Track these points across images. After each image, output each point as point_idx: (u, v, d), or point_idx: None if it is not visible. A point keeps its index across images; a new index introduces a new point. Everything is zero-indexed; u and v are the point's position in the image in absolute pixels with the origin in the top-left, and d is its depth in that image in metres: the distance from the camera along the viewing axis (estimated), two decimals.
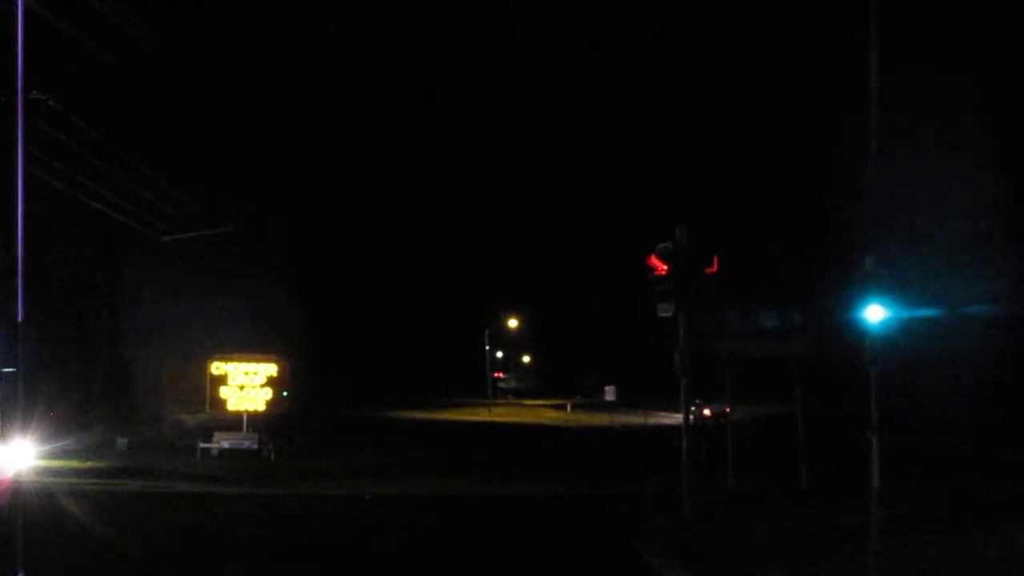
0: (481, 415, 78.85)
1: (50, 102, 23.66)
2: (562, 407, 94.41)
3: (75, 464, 30.02)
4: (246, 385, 34.76)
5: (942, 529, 17.35)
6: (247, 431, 34.32)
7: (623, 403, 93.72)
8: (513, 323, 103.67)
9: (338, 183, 74.12)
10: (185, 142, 40.38)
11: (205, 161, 40.43)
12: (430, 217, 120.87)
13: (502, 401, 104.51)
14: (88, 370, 44.93)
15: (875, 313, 21.29)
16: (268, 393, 34.83)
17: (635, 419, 71.69)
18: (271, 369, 35.09)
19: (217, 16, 43.30)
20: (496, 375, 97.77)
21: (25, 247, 11.41)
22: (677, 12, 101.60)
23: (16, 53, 11.59)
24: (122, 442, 35.82)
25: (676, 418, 21.32)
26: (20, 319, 11.41)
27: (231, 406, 34.70)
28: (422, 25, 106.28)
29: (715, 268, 18.73)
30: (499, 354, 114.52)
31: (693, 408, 76.02)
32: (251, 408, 34.63)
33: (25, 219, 11.43)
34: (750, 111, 79.77)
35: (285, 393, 35.35)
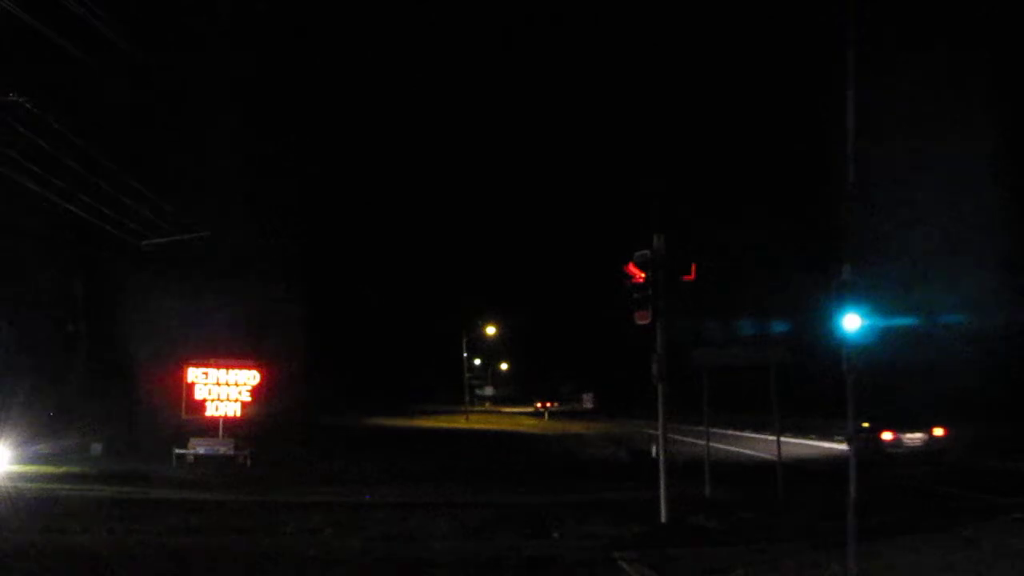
0: (459, 422, 78.73)
1: (27, 105, 23.57)
2: (540, 414, 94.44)
3: (49, 469, 29.84)
4: (222, 390, 34.62)
5: (911, 536, 17.43)
6: (223, 437, 34.20)
7: (601, 410, 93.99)
8: (491, 330, 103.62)
9: (317, 191, 74.05)
10: (166, 146, 40.27)
11: (186, 165, 40.35)
12: (409, 225, 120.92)
13: (479, 408, 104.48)
14: (65, 375, 44.70)
15: (852, 322, 21.43)
16: (245, 399, 34.71)
17: (613, 427, 71.72)
18: (247, 375, 34.97)
19: (203, 14, 43.20)
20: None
21: (2, 251, 11.37)
22: (657, 19, 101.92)
23: None
24: (97, 447, 35.65)
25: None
26: None
27: (207, 412, 34.56)
28: (384, 40, 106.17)
29: (693, 276, 18.80)
30: (477, 361, 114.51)
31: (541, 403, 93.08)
32: (227, 414, 34.50)
33: (1, 223, 11.39)
34: (732, 120, 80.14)
35: (261, 399, 35.24)
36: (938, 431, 33.76)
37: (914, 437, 33.49)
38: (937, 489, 25.55)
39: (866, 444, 31.49)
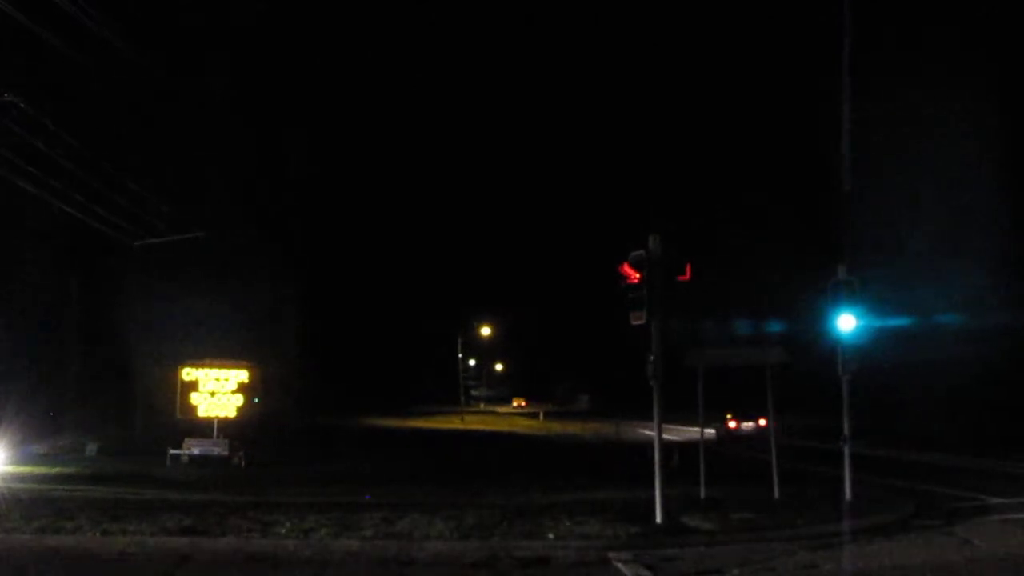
0: (454, 423, 78.76)
1: (22, 105, 23.53)
2: (535, 415, 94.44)
3: (43, 470, 29.79)
4: (217, 391, 34.60)
5: (906, 535, 17.43)
6: (218, 437, 34.16)
7: (596, 411, 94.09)
8: (486, 331, 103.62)
9: (315, 191, 74.01)
10: (162, 146, 40.21)
11: (183, 165, 40.30)
12: (404, 226, 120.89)
13: (474, 408, 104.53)
14: (59, 375, 44.65)
15: (847, 322, 21.42)
16: (239, 399, 34.69)
17: (608, 427, 71.72)
18: (242, 375, 34.96)
19: (200, 12, 43.15)
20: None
21: None
22: (654, 20, 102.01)
23: None
24: (91, 448, 35.64)
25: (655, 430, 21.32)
26: None
27: (202, 412, 34.54)
28: (384, 41, 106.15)
29: (688, 276, 18.74)
30: (472, 362, 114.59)
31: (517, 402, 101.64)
32: (222, 415, 34.48)
33: None
34: (728, 120, 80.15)
35: (256, 400, 35.22)
36: (763, 421, 45.35)
37: (748, 425, 49.42)
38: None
39: (723, 429, 51.30)
